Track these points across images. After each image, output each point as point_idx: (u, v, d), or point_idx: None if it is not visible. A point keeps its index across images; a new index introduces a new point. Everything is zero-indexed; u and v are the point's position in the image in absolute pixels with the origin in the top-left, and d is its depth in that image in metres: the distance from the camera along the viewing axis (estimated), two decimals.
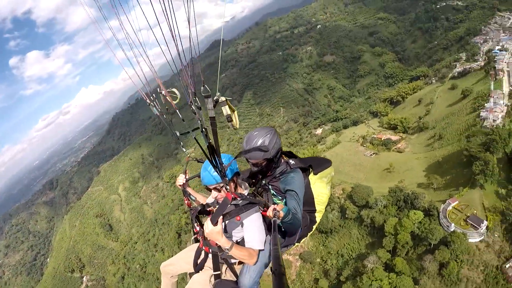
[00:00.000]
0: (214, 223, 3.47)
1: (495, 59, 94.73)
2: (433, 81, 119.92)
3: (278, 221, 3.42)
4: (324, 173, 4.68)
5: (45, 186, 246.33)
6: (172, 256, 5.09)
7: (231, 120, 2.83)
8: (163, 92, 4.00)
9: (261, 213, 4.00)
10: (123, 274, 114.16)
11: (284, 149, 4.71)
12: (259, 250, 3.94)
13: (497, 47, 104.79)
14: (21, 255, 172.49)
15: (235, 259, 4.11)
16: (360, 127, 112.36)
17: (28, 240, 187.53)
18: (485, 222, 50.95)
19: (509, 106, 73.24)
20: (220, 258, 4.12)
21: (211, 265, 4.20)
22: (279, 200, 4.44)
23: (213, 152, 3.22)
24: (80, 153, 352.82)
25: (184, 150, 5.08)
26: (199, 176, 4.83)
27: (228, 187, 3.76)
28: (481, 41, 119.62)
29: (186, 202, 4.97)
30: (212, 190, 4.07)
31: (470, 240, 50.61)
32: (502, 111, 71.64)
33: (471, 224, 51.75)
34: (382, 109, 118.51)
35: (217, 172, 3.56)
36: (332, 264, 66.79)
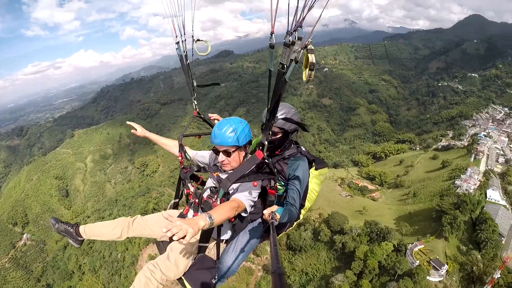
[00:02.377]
0: (233, 180, 3.45)
1: (478, 142, 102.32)
2: (418, 148, 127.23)
3: (276, 223, 3.24)
4: (323, 171, 4.60)
5: (13, 130, 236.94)
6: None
7: (313, 69, 2.44)
8: (193, 37, 4.27)
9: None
10: (67, 244, 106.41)
11: None
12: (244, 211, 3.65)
13: (483, 133, 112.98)
14: None
15: (235, 225, 3.97)
16: (340, 170, 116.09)
17: None
18: (446, 266, 55.88)
19: (481, 182, 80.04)
20: (216, 228, 3.67)
21: (196, 236, 3.70)
22: (281, 186, 4.16)
23: (275, 106, 2.91)
24: (57, 112, 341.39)
25: (195, 102, 4.95)
26: (198, 136, 5.21)
27: (265, 142, 3.40)
28: (470, 125, 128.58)
29: (180, 159, 4.64)
30: (221, 153, 3.75)
31: (430, 279, 54.88)
32: (475, 184, 78.53)
33: (433, 266, 56.08)
34: (364, 161, 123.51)
35: (266, 124, 3.26)
36: (294, 281, 67.40)
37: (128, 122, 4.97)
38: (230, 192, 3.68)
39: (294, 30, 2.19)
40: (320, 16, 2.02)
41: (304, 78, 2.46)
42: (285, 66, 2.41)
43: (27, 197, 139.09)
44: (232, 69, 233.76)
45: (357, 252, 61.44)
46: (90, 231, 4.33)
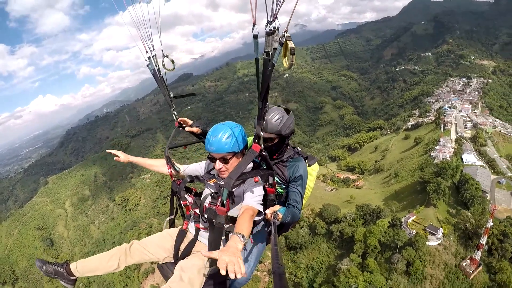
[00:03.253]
0: (235, 177, 3.20)
1: (445, 114, 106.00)
2: (389, 132, 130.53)
3: (278, 223, 3.24)
4: (315, 166, 4.54)
5: None
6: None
7: (293, 53, 2.47)
8: (162, 51, 4.36)
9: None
10: None
11: None
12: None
13: (447, 105, 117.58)
14: None
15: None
16: (320, 168, 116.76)
17: None
18: (441, 229, 58.32)
19: (455, 149, 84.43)
20: (224, 234, 3.46)
21: (203, 249, 3.45)
22: (281, 189, 4.10)
23: (266, 94, 2.82)
24: (25, 162, 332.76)
25: (175, 113, 4.76)
26: (184, 146, 5.00)
27: (260, 133, 3.18)
28: (433, 101, 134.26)
29: (169, 172, 4.38)
30: (217, 161, 3.54)
31: (430, 243, 57.23)
32: (450, 152, 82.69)
33: (430, 232, 58.61)
34: (341, 154, 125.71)
35: (258, 116, 3.09)
36: (302, 277, 67.62)
37: (108, 150, 4.72)
38: (234, 190, 3.49)
39: (273, 20, 2.30)
40: (294, 8, 2.11)
41: (286, 64, 2.52)
42: (270, 53, 2.48)
43: (11, 253, 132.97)
44: (194, 90, 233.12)
45: (356, 235, 62.85)
46: (83, 267, 3.91)
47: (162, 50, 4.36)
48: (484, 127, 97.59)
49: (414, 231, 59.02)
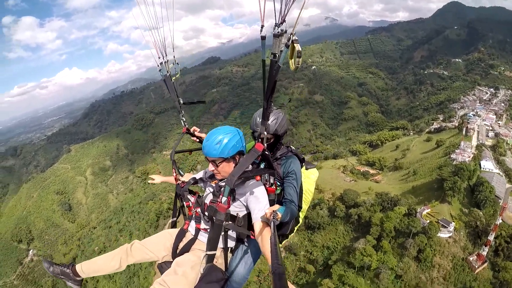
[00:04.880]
0: (238, 175, 3.30)
1: (468, 121, 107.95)
2: (411, 133, 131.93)
3: (277, 222, 3.05)
4: (313, 171, 4.72)
5: (7, 151, 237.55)
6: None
7: (300, 56, 2.41)
8: (174, 57, 4.67)
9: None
10: (75, 255, 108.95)
11: None
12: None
13: (471, 113, 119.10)
14: None
15: (239, 232, 3.85)
16: (340, 160, 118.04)
17: None
18: (453, 223, 61.43)
19: (475, 154, 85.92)
20: (224, 232, 3.65)
21: (201, 247, 3.84)
22: (278, 186, 4.11)
23: (271, 94, 2.99)
24: (47, 131, 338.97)
25: (184, 119, 5.02)
26: (189, 152, 5.32)
27: (264, 132, 3.32)
28: (458, 107, 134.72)
29: (174, 175, 4.69)
30: (210, 163, 3.75)
31: (441, 235, 60.47)
32: (469, 157, 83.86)
33: (442, 225, 61.69)
34: (362, 149, 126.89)
35: (263, 120, 3.27)
36: (317, 255, 70.66)
37: (149, 177, 5.38)
38: (236, 189, 3.68)
39: (281, 23, 2.44)
40: (300, 12, 2.29)
41: (292, 67, 2.61)
42: (277, 55, 2.62)
43: (30, 214, 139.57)
44: (221, 74, 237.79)
45: (373, 219, 65.94)
46: (88, 268, 4.08)
47: (174, 56, 4.70)
48: (506, 138, 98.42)
49: (428, 221, 61.96)
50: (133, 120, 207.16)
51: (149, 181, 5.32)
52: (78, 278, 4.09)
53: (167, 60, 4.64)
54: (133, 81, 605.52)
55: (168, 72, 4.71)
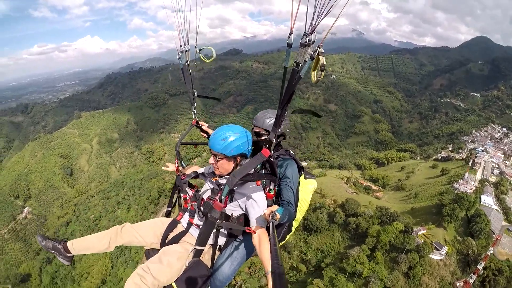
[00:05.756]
0: (239, 177, 3.24)
1: (476, 155, 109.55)
2: (418, 157, 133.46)
3: (276, 223, 3.04)
4: (312, 181, 4.61)
5: (18, 107, 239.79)
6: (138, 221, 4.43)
7: (323, 70, 2.37)
8: (196, 48, 4.53)
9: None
10: (69, 220, 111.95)
11: None
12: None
13: (480, 148, 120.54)
14: None
15: (231, 229, 3.88)
16: (344, 172, 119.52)
17: None
18: (446, 248, 63.22)
19: (477, 188, 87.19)
20: (216, 229, 3.62)
21: (191, 240, 3.85)
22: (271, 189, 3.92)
23: (287, 103, 2.94)
24: (60, 94, 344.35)
25: (195, 112, 4.99)
26: (194, 145, 5.50)
27: (273, 139, 3.25)
28: (469, 141, 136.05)
29: (176, 165, 4.73)
30: (212, 156, 3.79)
31: (432, 256, 62.18)
32: (471, 189, 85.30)
33: (435, 247, 63.33)
34: (367, 165, 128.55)
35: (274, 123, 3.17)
36: (310, 257, 72.45)
37: (164, 164, 5.32)
38: (235, 189, 3.71)
39: (310, 33, 2.38)
40: (331, 26, 2.29)
41: (314, 79, 2.55)
42: (300, 64, 2.55)
43: (31, 172, 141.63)
44: (241, 68, 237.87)
45: (370, 231, 67.72)
46: (79, 245, 4.07)
47: (196, 47, 4.58)
48: (510, 178, 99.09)
49: (423, 241, 63.73)
50: (147, 98, 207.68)
51: (163, 168, 5.29)
52: (68, 255, 4.11)
53: (188, 49, 4.65)
54: (151, 60, 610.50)
55: (187, 62, 4.73)
